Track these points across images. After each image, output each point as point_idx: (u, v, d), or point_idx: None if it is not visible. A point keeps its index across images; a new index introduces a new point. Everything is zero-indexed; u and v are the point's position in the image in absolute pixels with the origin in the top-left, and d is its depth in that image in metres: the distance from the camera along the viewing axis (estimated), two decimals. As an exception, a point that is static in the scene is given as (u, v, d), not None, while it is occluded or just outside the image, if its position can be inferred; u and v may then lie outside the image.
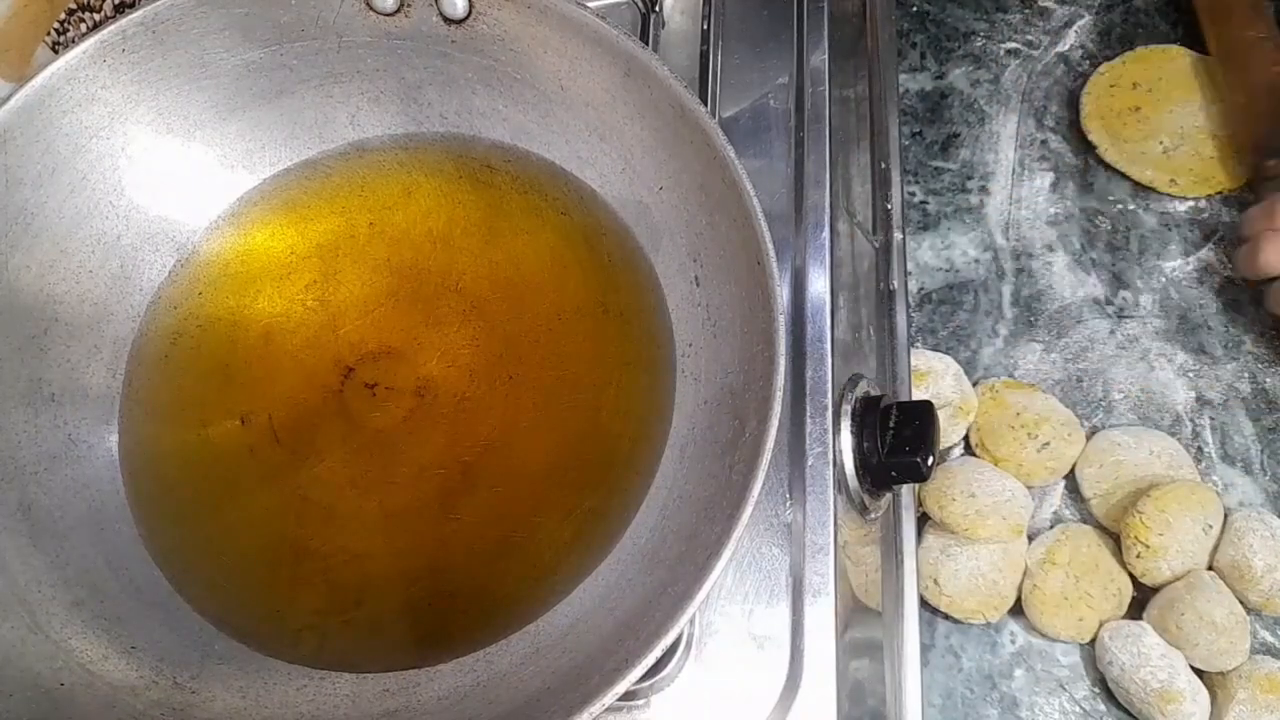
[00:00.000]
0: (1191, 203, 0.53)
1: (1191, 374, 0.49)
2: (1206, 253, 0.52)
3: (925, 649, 0.45)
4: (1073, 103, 0.56)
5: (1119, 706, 0.43)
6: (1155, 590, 0.44)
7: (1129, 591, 0.44)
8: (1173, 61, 0.55)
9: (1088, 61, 0.57)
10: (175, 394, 0.37)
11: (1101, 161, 0.54)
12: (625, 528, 0.32)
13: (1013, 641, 0.46)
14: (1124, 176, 0.54)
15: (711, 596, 0.33)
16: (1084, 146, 0.55)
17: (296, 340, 0.37)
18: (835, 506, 0.34)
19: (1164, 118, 0.54)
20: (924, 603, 0.45)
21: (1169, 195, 0.53)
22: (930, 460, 0.35)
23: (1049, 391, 0.49)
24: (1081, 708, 0.44)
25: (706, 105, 0.40)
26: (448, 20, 0.35)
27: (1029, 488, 0.46)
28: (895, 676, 0.38)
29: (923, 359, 0.49)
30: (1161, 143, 0.53)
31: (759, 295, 0.29)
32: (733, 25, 0.44)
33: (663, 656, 0.26)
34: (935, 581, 0.45)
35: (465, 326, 0.36)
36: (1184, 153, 0.53)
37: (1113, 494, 0.46)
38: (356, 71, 0.37)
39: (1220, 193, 0.52)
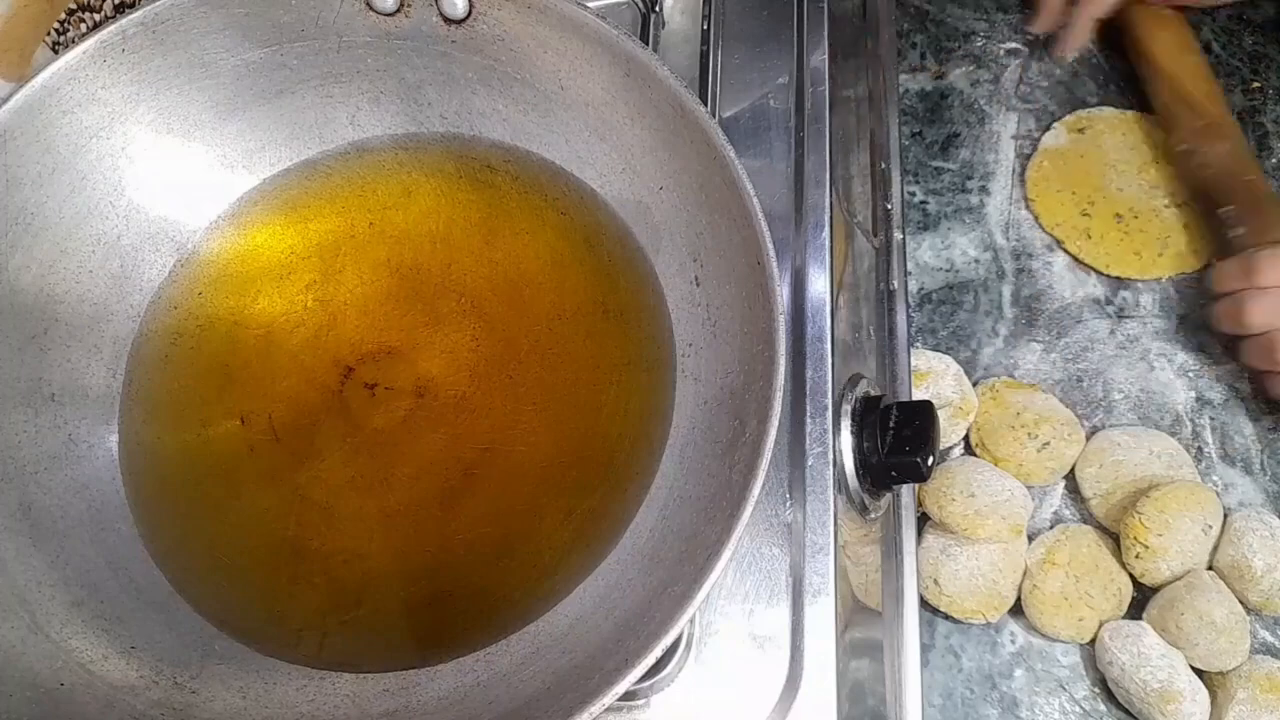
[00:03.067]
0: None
1: (1191, 374, 0.49)
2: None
3: (925, 649, 0.45)
4: (1073, 103, 0.56)
5: (1119, 706, 0.43)
6: (1155, 590, 0.44)
7: (1129, 591, 0.44)
8: (1122, 125, 0.55)
9: (1089, 61, 0.57)
10: (175, 394, 0.37)
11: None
12: (625, 528, 0.32)
13: (1013, 641, 0.46)
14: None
15: (711, 596, 0.33)
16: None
17: (296, 340, 0.37)
18: (835, 506, 0.34)
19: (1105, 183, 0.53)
20: (924, 603, 0.45)
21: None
22: (930, 460, 0.35)
23: (1049, 391, 0.49)
24: (1081, 708, 0.44)
25: (706, 105, 0.40)
26: (448, 20, 0.35)
27: (1029, 487, 0.46)
28: (895, 676, 0.38)
29: (923, 359, 0.49)
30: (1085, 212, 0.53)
31: (759, 295, 0.29)
32: (733, 25, 0.43)
33: (663, 656, 0.26)
34: (935, 581, 0.45)
35: (465, 326, 0.36)
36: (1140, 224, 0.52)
37: (1112, 494, 0.46)
38: (356, 71, 0.37)
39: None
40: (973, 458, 0.48)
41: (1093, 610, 0.44)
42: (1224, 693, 0.41)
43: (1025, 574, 0.45)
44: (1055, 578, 0.44)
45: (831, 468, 0.34)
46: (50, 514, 0.34)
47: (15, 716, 0.29)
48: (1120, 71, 0.57)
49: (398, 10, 0.35)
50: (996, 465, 0.46)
